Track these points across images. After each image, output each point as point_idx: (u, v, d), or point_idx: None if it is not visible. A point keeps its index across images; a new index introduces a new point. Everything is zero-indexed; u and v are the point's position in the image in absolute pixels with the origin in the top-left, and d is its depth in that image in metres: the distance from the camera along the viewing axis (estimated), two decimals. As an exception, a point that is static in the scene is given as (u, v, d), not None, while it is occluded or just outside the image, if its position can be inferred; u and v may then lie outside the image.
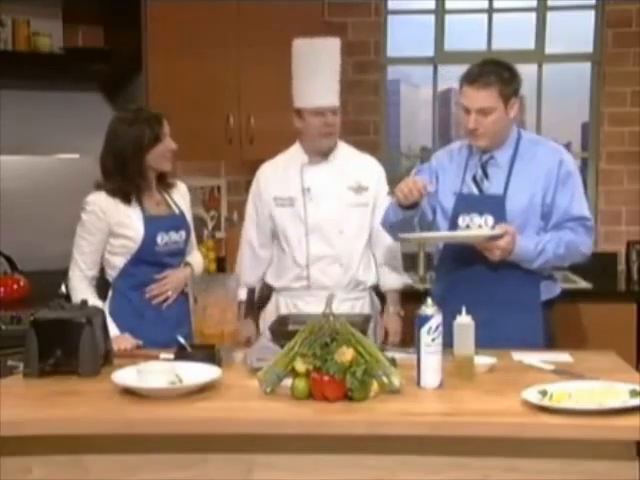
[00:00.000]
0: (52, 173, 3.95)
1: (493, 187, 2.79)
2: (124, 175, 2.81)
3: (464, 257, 2.80)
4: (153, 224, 2.84)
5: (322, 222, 3.05)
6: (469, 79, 2.73)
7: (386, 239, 3.13)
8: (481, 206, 2.78)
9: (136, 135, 2.80)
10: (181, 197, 3.00)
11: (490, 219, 2.76)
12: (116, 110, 3.89)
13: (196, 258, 3.05)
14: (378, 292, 3.25)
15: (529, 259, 2.71)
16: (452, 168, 2.89)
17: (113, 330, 2.67)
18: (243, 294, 3.14)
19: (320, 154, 3.09)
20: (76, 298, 2.77)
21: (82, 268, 2.84)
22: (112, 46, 3.93)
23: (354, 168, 3.11)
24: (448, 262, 2.90)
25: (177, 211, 2.95)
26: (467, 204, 2.81)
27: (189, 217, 3.01)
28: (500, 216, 2.74)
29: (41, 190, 3.90)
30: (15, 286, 3.70)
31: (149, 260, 2.84)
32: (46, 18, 3.81)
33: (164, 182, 2.95)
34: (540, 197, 2.76)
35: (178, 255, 2.93)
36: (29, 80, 3.60)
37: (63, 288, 3.46)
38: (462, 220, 2.80)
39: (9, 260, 3.75)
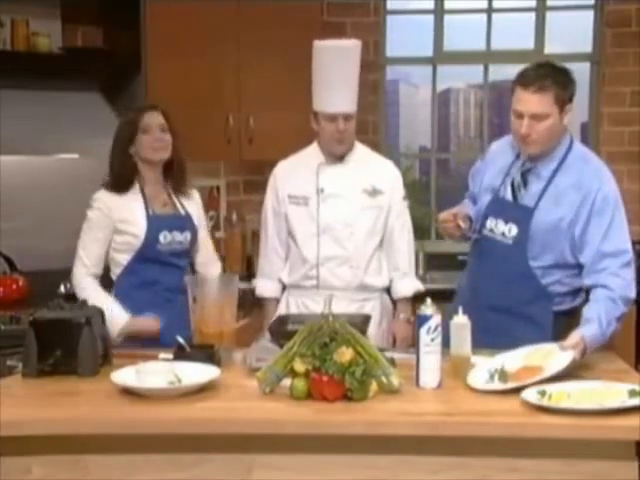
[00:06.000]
0: (51, 173, 3.94)
1: (527, 198, 2.68)
2: (113, 169, 2.89)
3: (485, 258, 2.77)
4: (156, 222, 2.86)
5: (334, 223, 3.04)
6: (523, 82, 2.57)
7: (398, 243, 3.13)
8: (509, 214, 2.70)
9: (118, 129, 2.92)
10: (192, 202, 3.02)
11: (514, 229, 2.67)
12: (115, 110, 3.90)
13: (214, 273, 3.04)
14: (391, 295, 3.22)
15: (603, 340, 2.46)
16: (498, 165, 2.80)
17: (122, 314, 2.73)
18: (274, 290, 3.17)
19: (334, 157, 3.09)
20: (81, 294, 2.78)
21: (86, 264, 2.85)
22: (111, 46, 3.93)
23: (370, 171, 3.10)
24: (473, 259, 2.88)
25: (182, 212, 2.96)
26: (497, 208, 2.74)
27: (197, 221, 3.01)
28: (524, 229, 2.64)
29: (40, 190, 3.90)
30: (14, 286, 3.70)
31: (152, 258, 2.85)
32: (45, 18, 3.80)
33: (175, 185, 2.96)
34: (566, 224, 2.60)
35: (183, 256, 2.94)
36: (28, 80, 3.60)
37: (62, 288, 3.46)
38: (490, 222, 2.75)
39: (8, 260, 3.75)
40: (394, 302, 3.20)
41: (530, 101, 2.55)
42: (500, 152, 2.85)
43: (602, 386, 2.09)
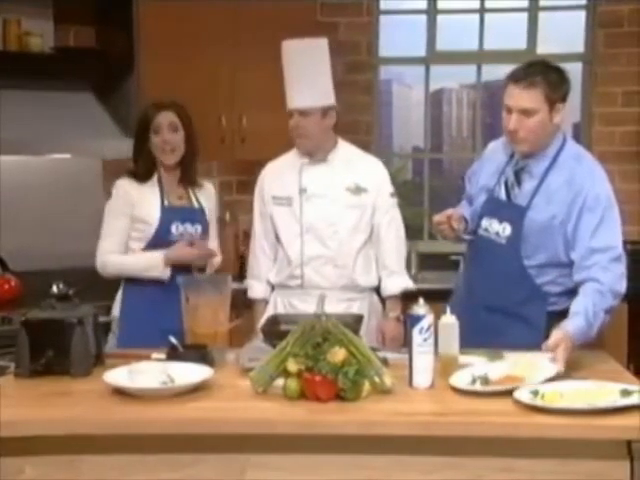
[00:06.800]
0: (44, 173, 3.94)
1: (521, 197, 2.69)
2: (134, 159, 3.02)
3: (480, 258, 2.78)
4: (169, 213, 2.97)
5: (317, 222, 3.05)
6: (514, 78, 2.60)
7: (385, 241, 3.12)
8: (503, 213, 2.71)
9: (137, 124, 3.03)
10: (206, 195, 3.12)
11: (508, 228, 2.68)
12: (108, 110, 3.89)
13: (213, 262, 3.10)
14: (380, 294, 3.21)
15: (590, 334, 2.44)
16: (494, 164, 2.82)
17: (155, 254, 2.89)
18: (262, 291, 3.18)
19: (318, 155, 3.09)
20: (113, 269, 2.96)
21: (110, 246, 2.95)
22: (104, 46, 3.92)
23: (354, 169, 3.10)
24: (469, 259, 2.90)
25: (197, 205, 3.05)
26: (492, 208, 2.75)
27: (209, 216, 3.10)
28: (517, 228, 2.66)
29: (33, 190, 3.90)
30: (6, 286, 3.69)
31: (163, 248, 2.92)
32: (37, 18, 3.80)
33: (186, 181, 3.05)
34: (558, 222, 2.61)
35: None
36: (20, 80, 3.59)
37: (54, 288, 3.45)
38: (485, 221, 2.76)
39: (0, 260, 3.74)
40: (383, 301, 3.20)
41: (519, 96, 2.57)
42: (495, 152, 2.85)
43: (594, 386, 2.09)
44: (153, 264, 2.91)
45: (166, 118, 2.96)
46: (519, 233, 2.66)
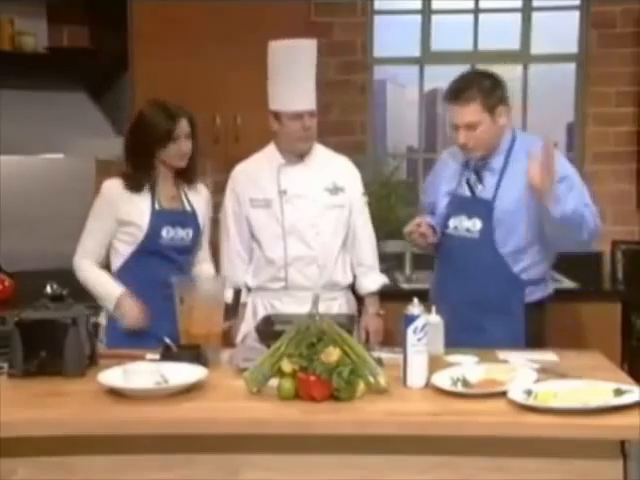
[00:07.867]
0: (37, 173, 3.94)
1: (485, 191, 2.81)
2: (133, 167, 2.91)
3: (453, 257, 2.84)
4: (160, 217, 2.90)
5: (299, 223, 3.04)
6: (451, 96, 2.75)
7: (361, 239, 3.14)
8: (470, 209, 2.80)
9: (149, 131, 2.86)
10: (199, 199, 3.04)
11: (478, 222, 2.77)
12: (101, 110, 3.88)
13: (205, 270, 3.06)
14: (354, 292, 3.23)
15: (560, 198, 2.55)
16: (451, 168, 2.92)
17: (116, 288, 2.83)
18: (229, 295, 3.15)
19: (296, 156, 3.09)
20: (80, 276, 2.89)
21: (87, 251, 2.90)
22: (97, 46, 3.92)
23: (330, 169, 3.11)
24: (439, 261, 2.97)
25: (188, 209, 2.99)
26: (457, 206, 2.84)
27: (202, 220, 3.03)
28: (488, 220, 2.76)
29: (25, 190, 3.89)
30: (0, 287, 3.68)
31: (153, 252, 2.88)
32: (30, 17, 3.79)
33: (185, 180, 3.00)
34: (523, 203, 2.71)
35: (185, 252, 2.97)
36: (13, 80, 3.58)
37: (48, 288, 3.44)
38: (453, 221, 2.84)
39: (-6, 261, 3.74)
40: (358, 298, 3.22)
41: (461, 113, 2.72)
42: (446, 162, 2.97)
43: (588, 385, 2.10)
44: (108, 299, 2.86)
45: (184, 128, 2.89)
46: (490, 224, 2.75)
